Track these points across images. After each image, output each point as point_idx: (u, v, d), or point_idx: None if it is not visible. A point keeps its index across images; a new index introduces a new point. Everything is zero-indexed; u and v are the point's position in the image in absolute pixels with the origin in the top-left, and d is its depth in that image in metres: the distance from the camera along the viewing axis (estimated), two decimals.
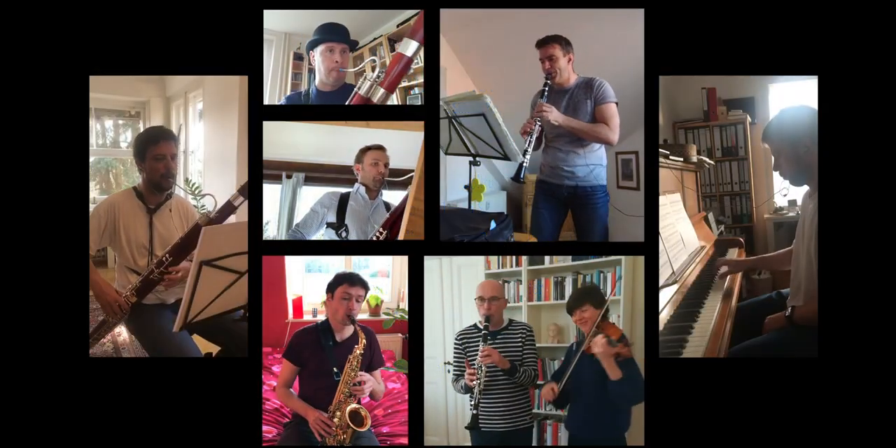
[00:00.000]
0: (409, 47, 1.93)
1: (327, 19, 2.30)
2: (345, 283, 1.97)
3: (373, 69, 2.06)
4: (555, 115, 2.41)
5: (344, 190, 2.54)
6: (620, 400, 1.78)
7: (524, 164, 2.39)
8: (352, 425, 1.85)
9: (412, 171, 2.03)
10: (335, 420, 1.87)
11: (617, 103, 2.47)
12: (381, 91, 1.97)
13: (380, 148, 2.43)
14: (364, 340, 1.94)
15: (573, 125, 2.45)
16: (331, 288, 1.99)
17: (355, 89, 2.03)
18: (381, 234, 2.13)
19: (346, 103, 2.04)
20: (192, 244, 2.12)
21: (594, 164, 2.55)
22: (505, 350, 1.98)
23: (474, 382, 1.93)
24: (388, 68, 1.99)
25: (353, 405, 1.88)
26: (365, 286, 2.00)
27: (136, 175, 2.35)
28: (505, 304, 2.06)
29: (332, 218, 2.44)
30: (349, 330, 1.99)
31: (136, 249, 2.30)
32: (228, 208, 2.09)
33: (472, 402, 1.94)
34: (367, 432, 1.96)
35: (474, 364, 1.96)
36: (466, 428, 1.97)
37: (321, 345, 1.96)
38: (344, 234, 2.40)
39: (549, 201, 2.65)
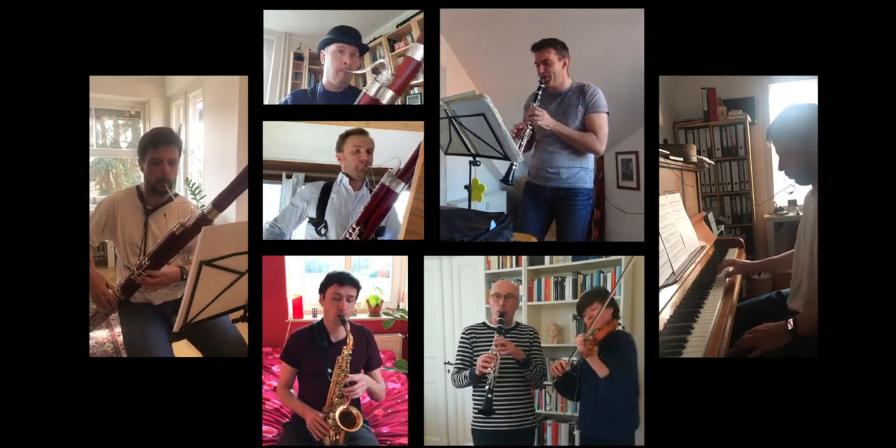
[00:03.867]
0: (419, 51, 1.93)
1: (327, 19, 2.31)
2: (334, 284, 1.95)
3: (376, 71, 2.04)
4: (546, 120, 2.47)
5: (326, 180, 2.38)
6: (609, 399, 1.78)
7: (514, 167, 2.43)
8: (342, 426, 1.84)
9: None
10: (329, 421, 1.86)
11: (608, 113, 2.51)
12: (390, 93, 1.96)
13: (360, 132, 2.27)
14: (352, 341, 1.91)
15: (563, 131, 2.52)
16: (322, 288, 1.98)
17: (364, 91, 2.01)
18: (353, 231, 1.98)
19: (356, 104, 2.01)
20: (169, 251, 2.16)
21: (578, 166, 2.60)
22: None
23: (488, 370, 1.90)
24: (397, 71, 1.98)
25: (344, 406, 1.87)
26: (356, 285, 1.98)
27: (137, 174, 2.37)
28: (517, 304, 2.06)
29: (313, 212, 2.31)
30: (343, 330, 1.97)
31: (129, 248, 2.31)
32: (203, 221, 2.08)
33: (488, 387, 1.90)
34: (366, 432, 1.96)
35: (490, 352, 1.93)
36: (481, 412, 1.93)
37: (316, 346, 1.96)
38: (323, 231, 2.27)
39: (536, 202, 2.71)
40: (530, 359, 1.98)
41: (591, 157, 2.64)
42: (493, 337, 1.97)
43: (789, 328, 1.86)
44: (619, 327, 1.87)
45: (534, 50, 2.54)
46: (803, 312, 1.96)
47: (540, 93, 2.52)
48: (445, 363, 2.25)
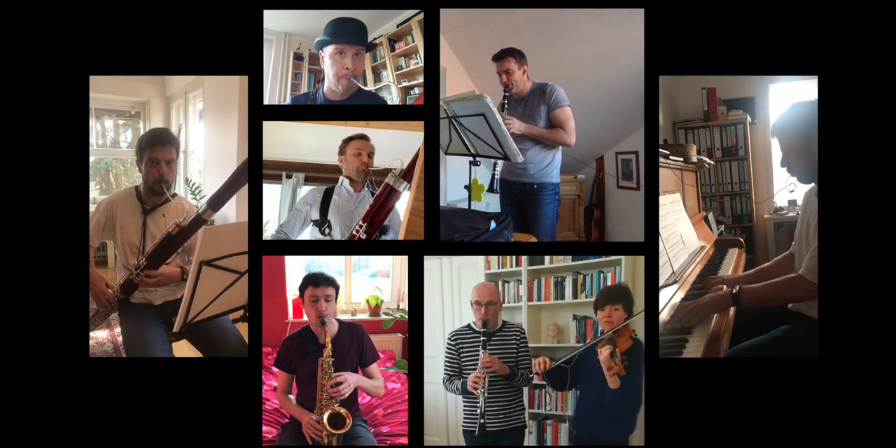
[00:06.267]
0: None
1: (327, 19, 2.23)
2: (310, 286, 1.93)
3: (381, 89, 2.01)
4: (516, 127, 2.57)
5: (328, 185, 2.41)
6: (613, 407, 1.78)
7: (496, 176, 2.54)
8: (330, 429, 1.83)
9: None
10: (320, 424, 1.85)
11: (570, 106, 2.62)
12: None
13: (362, 137, 2.29)
14: (329, 343, 1.90)
15: (534, 132, 2.63)
16: (300, 292, 1.96)
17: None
18: (360, 227, 1.99)
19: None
20: (166, 251, 2.15)
21: (545, 162, 2.70)
22: (500, 352, 1.98)
23: (479, 391, 1.91)
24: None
25: (332, 409, 1.85)
26: (332, 284, 1.95)
27: (137, 175, 2.37)
28: (500, 308, 2.05)
29: (316, 214, 2.32)
30: (330, 332, 1.95)
31: (128, 248, 2.31)
32: (198, 221, 2.06)
33: (479, 411, 1.92)
34: (366, 432, 1.96)
35: (477, 369, 1.94)
36: (476, 436, 1.93)
37: (306, 350, 1.94)
38: (328, 231, 2.27)
39: (509, 198, 2.80)
40: (515, 370, 1.98)
41: (558, 154, 2.72)
42: (478, 340, 1.97)
43: (733, 292, 1.95)
44: (633, 335, 1.85)
45: (494, 60, 2.64)
46: (758, 285, 2.00)
47: (507, 102, 2.63)
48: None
